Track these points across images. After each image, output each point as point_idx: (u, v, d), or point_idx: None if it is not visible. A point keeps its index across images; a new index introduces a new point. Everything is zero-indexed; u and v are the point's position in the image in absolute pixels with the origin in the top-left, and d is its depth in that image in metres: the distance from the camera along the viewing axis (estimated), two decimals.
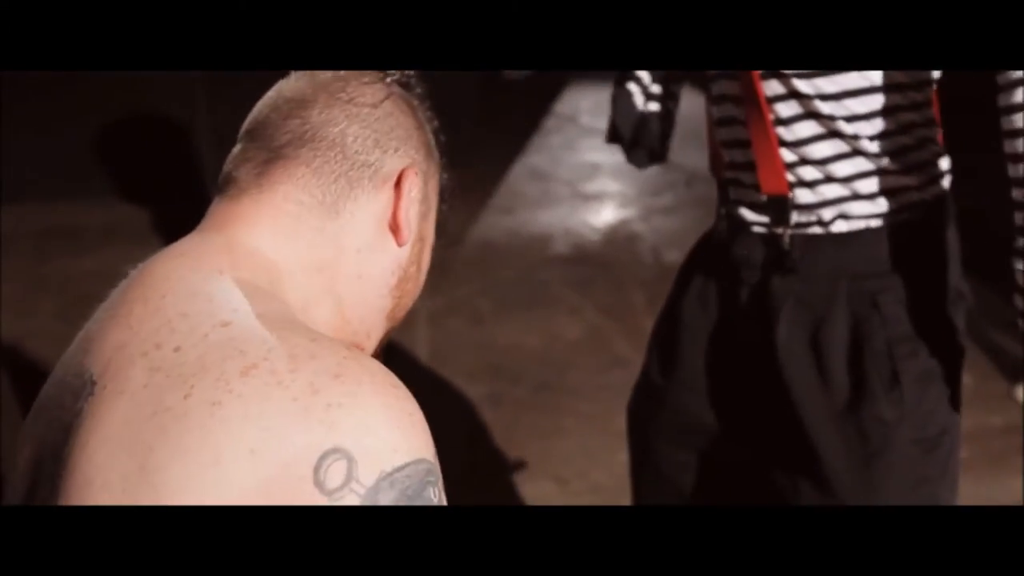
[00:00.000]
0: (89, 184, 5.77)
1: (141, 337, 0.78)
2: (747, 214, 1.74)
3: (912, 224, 1.65)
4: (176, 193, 5.93)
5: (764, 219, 1.71)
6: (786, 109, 1.61)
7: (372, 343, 1.00)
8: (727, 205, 1.82)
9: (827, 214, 1.64)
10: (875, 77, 1.56)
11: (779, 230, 1.67)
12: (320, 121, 0.96)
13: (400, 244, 0.99)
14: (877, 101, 1.59)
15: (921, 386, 1.60)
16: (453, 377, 3.84)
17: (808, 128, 1.61)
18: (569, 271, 4.87)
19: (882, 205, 1.63)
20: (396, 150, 1.00)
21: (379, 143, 0.98)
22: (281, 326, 0.78)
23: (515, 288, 4.63)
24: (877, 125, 1.60)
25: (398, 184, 0.98)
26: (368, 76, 1.02)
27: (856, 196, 1.63)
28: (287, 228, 0.92)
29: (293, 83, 1.01)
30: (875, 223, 1.63)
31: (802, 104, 1.60)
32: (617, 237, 5.29)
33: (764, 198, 1.68)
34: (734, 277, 1.78)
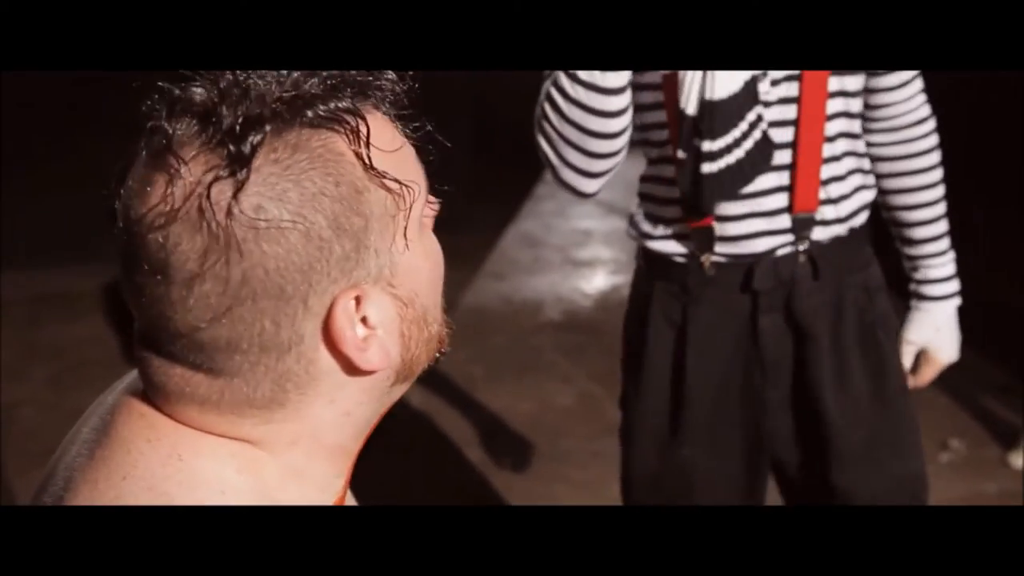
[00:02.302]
0: (84, 250, 5.78)
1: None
2: (759, 243, 1.77)
3: (868, 221, 1.86)
4: None
5: (783, 241, 1.77)
6: (833, 127, 1.73)
7: (405, 386, 0.85)
8: (719, 242, 1.79)
9: (842, 225, 1.79)
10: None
11: (801, 247, 1.77)
12: (174, 310, 0.73)
13: (373, 373, 0.79)
14: (876, 112, 1.81)
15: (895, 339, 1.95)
16: (445, 443, 3.82)
17: (842, 145, 1.77)
18: (561, 337, 4.87)
19: (865, 209, 1.84)
20: (304, 303, 0.73)
21: (274, 315, 0.73)
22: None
23: (507, 354, 4.62)
24: (869, 137, 1.84)
25: (330, 339, 0.75)
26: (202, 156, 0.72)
27: (862, 206, 1.82)
28: (226, 428, 0.78)
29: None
30: (858, 224, 1.83)
31: (846, 121, 1.75)
32: (609, 303, 5.30)
33: (789, 220, 1.76)
34: (741, 310, 1.81)
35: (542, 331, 4.96)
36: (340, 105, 0.75)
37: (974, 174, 5.14)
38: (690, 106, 1.66)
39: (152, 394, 0.79)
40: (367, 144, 0.75)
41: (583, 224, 6.60)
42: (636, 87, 1.75)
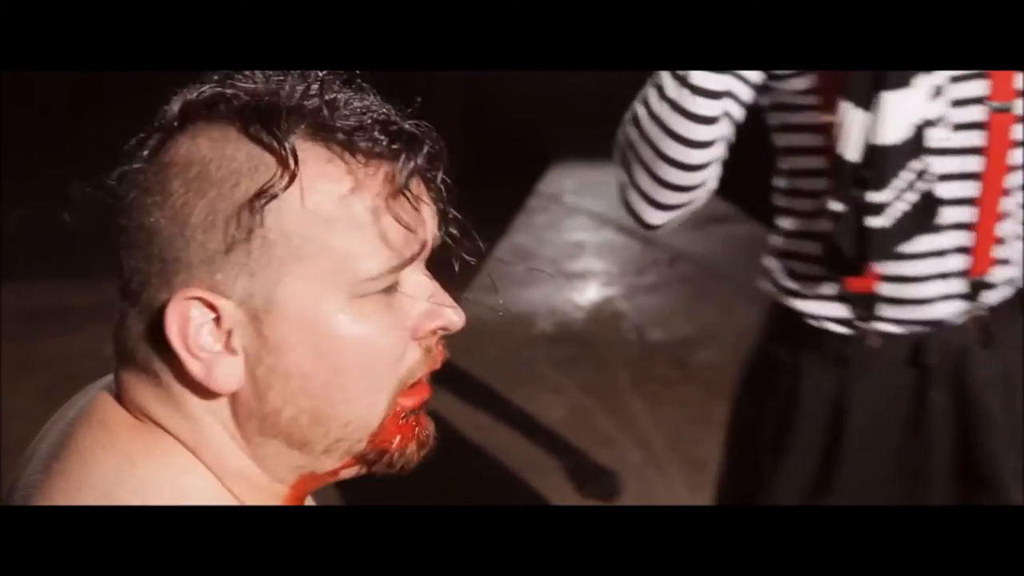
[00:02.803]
0: (76, 263, 5.77)
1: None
2: (933, 309, 1.61)
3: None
4: None
5: (958, 307, 1.62)
6: (1011, 180, 1.58)
7: (319, 467, 0.79)
8: (884, 307, 1.62)
9: (1010, 287, 1.65)
10: None
11: (973, 314, 1.63)
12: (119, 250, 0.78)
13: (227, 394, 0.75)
14: None
15: None
16: (436, 454, 3.81)
17: (1013, 200, 1.61)
18: (553, 350, 4.87)
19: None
20: (160, 273, 0.73)
21: (143, 271, 0.74)
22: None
23: (499, 366, 4.62)
24: None
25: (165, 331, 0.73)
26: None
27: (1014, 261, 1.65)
28: (155, 411, 0.77)
29: None
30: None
31: (1020, 173, 1.58)
32: (601, 316, 5.31)
33: (966, 283, 1.60)
34: (908, 386, 1.64)
35: (534, 343, 4.96)
36: (307, 130, 0.73)
37: None
38: (852, 151, 1.47)
39: (118, 367, 0.80)
40: (311, 174, 0.72)
41: (575, 236, 6.61)
42: (788, 128, 1.63)
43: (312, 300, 0.72)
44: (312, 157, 0.72)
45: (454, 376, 4.35)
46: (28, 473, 0.81)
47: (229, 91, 0.74)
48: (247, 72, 0.76)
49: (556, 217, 6.80)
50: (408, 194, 0.74)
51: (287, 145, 0.70)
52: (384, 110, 0.74)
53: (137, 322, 0.76)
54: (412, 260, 0.77)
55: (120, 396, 0.79)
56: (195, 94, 0.75)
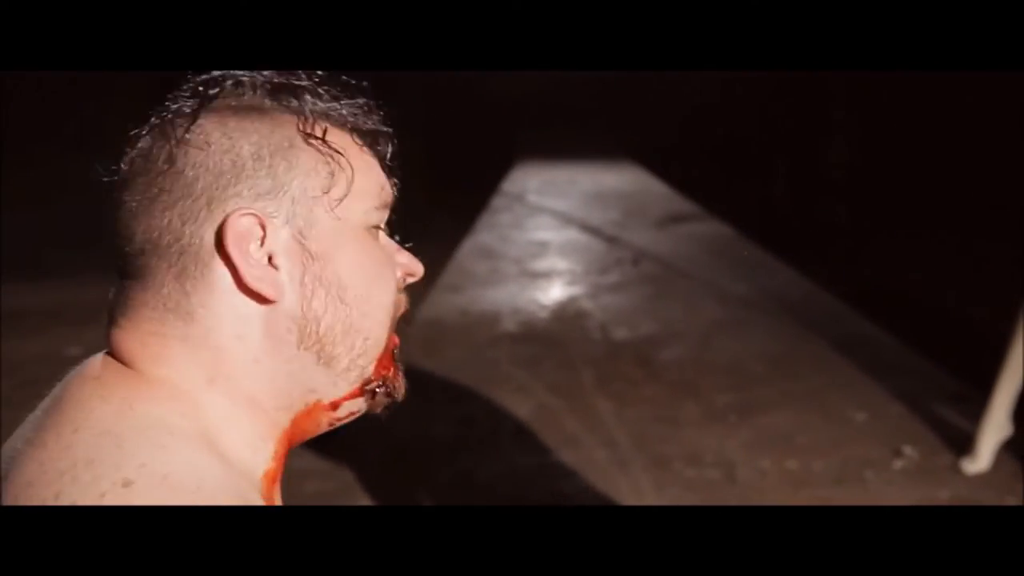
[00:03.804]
0: (32, 268, 5.70)
1: (48, 479, 0.76)
2: None
3: None
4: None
5: None
6: None
7: (329, 393, 0.90)
8: None
9: None
10: None
11: None
12: (122, 213, 0.85)
13: (268, 303, 0.85)
14: None
15: None
16: (401, 456, 3.80)
17: None
18: (518, 349, 4.87)
19: None
20: (208, 205, 0.83)
21: (179, 212, 0.83)
22: (188, 495, 0.75)
23: (464, 366, 4.62)
24: None
25: (222, 246, 0.82)
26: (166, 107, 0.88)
27: None
28: (161, 353, 0.84)
29: None
30: None
31: None
32: (566, 315, 5.32)
33: None
34: None
35: (499, 343, 4.95)
36: (314, 103, 0.88)
37: (944, 190, 5.23)
38: None
39: (110, 327, 0.86)
40: (322, 128, 0.87)
41: (539, 236, 6.62)
42: None
43: (342, 219, 0.87)
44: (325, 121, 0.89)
45: (419, 376, 4.34)
46: (13, 442, 0.83)
47: (234, 77, 0.88)
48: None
49: (520, 216, 6.80)
50: (383, 163, 0.93)
51: (311, 112, 0.87)
52: (368, 106, 0.92)
53: (173, 262, 0.83)
54: (390, 205, 0.93)
55: (118, 355, 0.86)
56: (211, 77, 0.88)
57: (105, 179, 0.88)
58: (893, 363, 4.51)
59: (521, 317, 5.27)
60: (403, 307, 0.94)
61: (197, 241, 0.83)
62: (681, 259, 6.45)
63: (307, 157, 0.86)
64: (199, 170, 0.83)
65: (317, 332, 0.86)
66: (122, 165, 0.87)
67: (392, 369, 0.93)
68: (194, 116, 0.85)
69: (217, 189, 0.83)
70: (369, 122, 0.92)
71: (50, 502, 0.74)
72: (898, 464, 3.67)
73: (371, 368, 0.90)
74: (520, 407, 4.23)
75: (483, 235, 6.53)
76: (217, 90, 0.87)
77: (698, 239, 7.06)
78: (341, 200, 0.87)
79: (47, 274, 5.62)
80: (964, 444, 3.67)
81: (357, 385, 0.90)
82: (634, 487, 3.57)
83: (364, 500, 3.26)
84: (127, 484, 0.74)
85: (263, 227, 0.83)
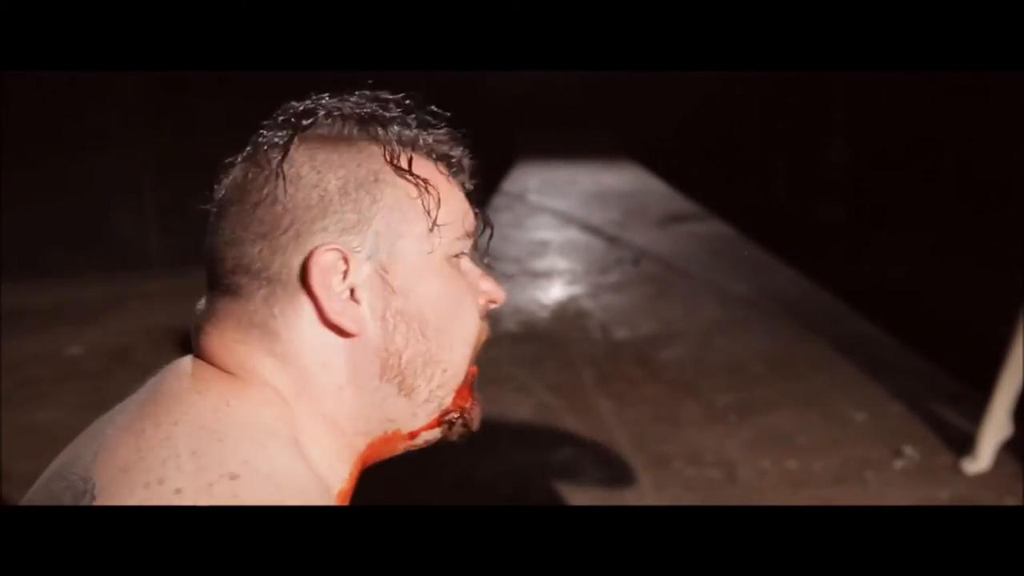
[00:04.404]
0: (33, 265, 5.70)
1: (146, 465, 0.77)
2: None
3: None
4: (120, 272, 5.87)
5: None
6: None
7: (408, 423, 0.93)
8: None
9: None
10: None
11: None
12: (219, 237, 0.89)
13: (349, 337, 0.87)
14: None
15: None
16: (401, 456, 3.80)
17: None
18: (518, 349, 4.87)
19: None
20: (296, 239, 0.86)
21: (269, 244, 0.86)
22: (292, 494, 0.79)
23: None
24: None
25: (307, 280, 0.85)
26: (263, 137, 0.90)
27: None
28: (246, 361, 0.87)
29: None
30: None
31: None
32: (566, 314, 5.31)
33: None
34: None
35: (499, 342, 4.95)
36: (400, 133, 0.90)
37: (944, 190, 5.23)
38: None
39: (197, 336, 0.90)
40: (407, 158, 0.89)
41: (540, 235, 6.61)
42: None
43: (425, 252, 0.89)
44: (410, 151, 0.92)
45: None
46: (99, 428, 0.86)
47: (327, 108, 0.90)
48: (316, 97, 0.92)
49: (520, 216, 6.80)
50: (466, 190, 0.96)
51: (397, 140, 0.90)
52: (450, 134, 0.95)
53: (262, 286, 0.87)
54: (474, 234, 0.95)
55: (207, 359, 0.89)
56: (296, 112, 0.90)
57: (205, 207, 0.91)
58: (893, 363, 4.51)
59: (522, 317, 5.27)
60: (485, 335, 0.97)
61: (285, 271, 0.86)
62: (681, 259, 6.45)
63: (392, 191, 0.89)
64: (289, 204, 0.86)
65: (399, 365, 0.89)
66: (217, 193, 0.90)
67: (470, 400, 0.96)
68: (286, 149, 0.88)
69: (304, 223, 0.86)
70: (454, 151, 0.95)
71: (153, 487, 0.76)
72: (898, 464, 3.67)
73: (449, 399, 0.93)
74: (520, 406, 4.23)
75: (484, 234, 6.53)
76: (310, 121, 0.89)
77: (698, 239, 7.06)
78: (425, 233, 0.89)
79: (47, 273, 5.61)
80: (964, 444, 3.67)
81: (435, 416, 0.93)
82: (634, 486, 3.57)
83: (364, 500, 3.26)
84: (233, 477, 0.77)
85: (346, 261, 0.86)
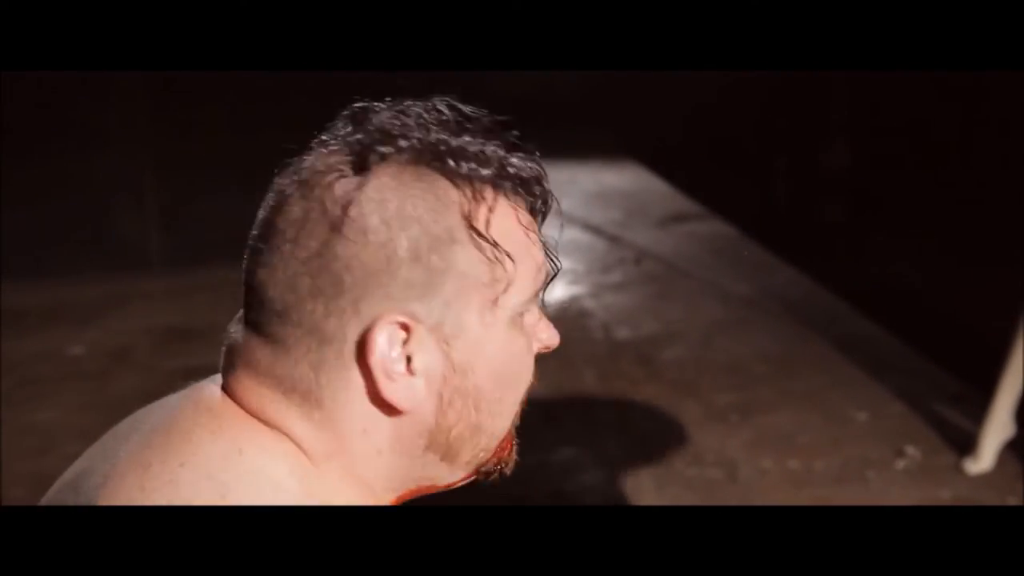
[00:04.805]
0: (33, 264, 5.69)
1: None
2: None
3: None
4: (121, 272, 5.87)
5: None
6: None
7: (446, 480, 0.88)
8: None
9: None
10: None
11: None
12: (265, 273, 0.80)
13: (401, 415, 0.81)
14: None
15: None
16: None
17: None
18: None
19: None
20: (355, 303, 0.77)
21: (324, 303, 0.77)
22: None
23: None
24: None
25: (364, 356, 0.78)
26: (321, 166, 0.80)
27: None
28: (277, 418, 0.80)
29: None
30: None
31: None
32: (567, 314, 5.31)
33: None
34: None
35: None
36: (479, 170, 0.80)
37: (946, 190, 5.22)
38: None
39: (228, 370, 0.82)
40: (487, 210, 0.80)
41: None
42: None
43: (492, 324, 0.82)
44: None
45: None
46: (112, 444, 0.82)
47: (402, 134, 0.80)
48: (376, 106, 0.82)
49: (547, 223, 6.78)
50: (541, 235, 0.88)
51: (478, 183, 0.80)
52: (535, 166, 0.86)
53: (312, 349, 0.78)
54: (545, 287, 0.88)
55: (234, 398, 0.82)
56: (368, 132, 0.80)
57: (252, 236, 0.82)
58: (895, 363, 4.50)
59: None
60: (535, 382, 0.92)
61: (340, 337, 0.78)
62: (683, 258, 6.44)
63: (466, 255, 0.79)
64: (353, 263, 0.77)
65: (447, 439, 0.84)
66: (262, 213, 0.81)
67: (508, 448, 0.91)
68: (352, 201, 0.77)
69: (367, 288, 0.77)
70: (537, 185, 0.86)
71: None
72: (900, 464, 3.66)
73: (490, 455, 0.89)
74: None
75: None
76: (387, 151, 0.79)
77: (700, 238, 7.05)
78: (494, 302, 0.81)
79: (48, 272, 5.60)
80: (966, 444, 3.66)
81: (472, 471, 0.89)
82: (635, 486, 3.57)
83: None
84: None
85: (407, 330, 0.78)
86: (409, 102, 0.83)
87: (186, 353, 4.50)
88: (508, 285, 0.81)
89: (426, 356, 0.79)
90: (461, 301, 0.79)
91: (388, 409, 0.80)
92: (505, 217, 0.82)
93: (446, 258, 0.78)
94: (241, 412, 0.81)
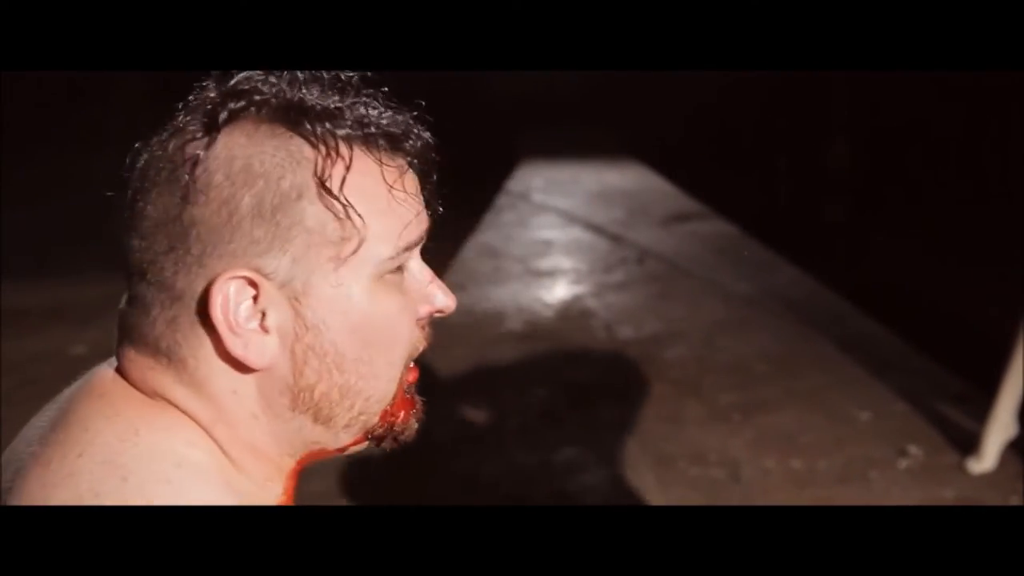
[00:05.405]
0: (34, 264, 5.70)
1: (51, 504, 0.75)
2: None
3: None
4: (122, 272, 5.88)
5: None
6: None
7: (332, 444, 0.86)
8: None
9: None
10: None
11: None
12: (128, 236, 0.81)
13: (252, 372, 0.80)
14: None
15: None
16: (406, 454, 3.79)
17: None
18: (522, 348, 4.87)
19: None
20: (200, 259, 0.77)
21: (172, 260, 0.78)
22: None
23: (468, 365, 4.61)
24: None
25: (208, 310, 0.77)
26: (172, 129, 0.81)
27: None
28: (159, 388, 0.81)
29: None
30: None
31: None
32: (570, 313, 5.31)
33: None
34: None
35: (503, 341, 4.95)
36: (335, 130, 0.80)
37: (948, 189, 5.22)
38: None
39: (117, 345, 0.83)
40: (343, 168, 0.79)
41: (543, 234, 6.61)
42: None
43: (345, 281, 0.80)
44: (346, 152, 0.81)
45: (423, 374, 4.33)
46: (20, 448, 0.82)
47: (255, 91, 0.80)
48: (245, 73, 0.82)
49: (524, 215, 6.80)
50: (413, 189, 0.85)
51: (333, 141, 0.79)
52: (406, 121, 0.84)
53: (165, 307, 0.79)
54: (417, 243, 0.86)
55: (124, 375, 0.82)
56: (222, 93, 0.80)
57: (111, 188, 0.83)
58: (897, 362, 4.50)
59: (526, 316, 5.26)
60: (424, 345, 0.90)
61: (189, 295, 0.78)
62: (685, 258, 6.44)
63: (315, 211, 0.78)
64: (196, 218, 0.77)
65: (311, 399, 0.82)
66: (129, 177, 0.82)
67: (402, 413, 0.89)
68: (198, 158, 0.78)
69: (211, 244, 0.77)
70: (409, 141, 0.85)
71: None
72: (902, 463, 3.66)
73: (375, 419, 0.86)
74: (524, 406, 4.23)
75: (487, 234, 6.52)
76: (238, 106, 0.79)
77: (702, 238, 7.06)
78: (350, 256, 0.80)
79: (49, 272, 5.62)
80: (969, 444, 3.66)
81: (360, 435, 0.87)
82: (638, 484, 3.57)
83: (365, 500, 3.26)
84: None
85: (255, 286, 0.78)
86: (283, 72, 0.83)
87: None
88: (361, 242, 0.80)
89: (276, 312, 0.79)
90: (310, 258, 0.79)
91: (243, 367, 0.79)
92: (364, 175, 0.81)
93: (292, 215, 0.77)
94: (131, 391, 0.81)
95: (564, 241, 6.49)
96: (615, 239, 6.89)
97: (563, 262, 6.12)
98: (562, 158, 10.85)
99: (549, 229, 6.63)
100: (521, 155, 7.94)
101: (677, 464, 3.70)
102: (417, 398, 0.91)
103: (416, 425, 0.91)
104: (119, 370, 0.83)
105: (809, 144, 6.73)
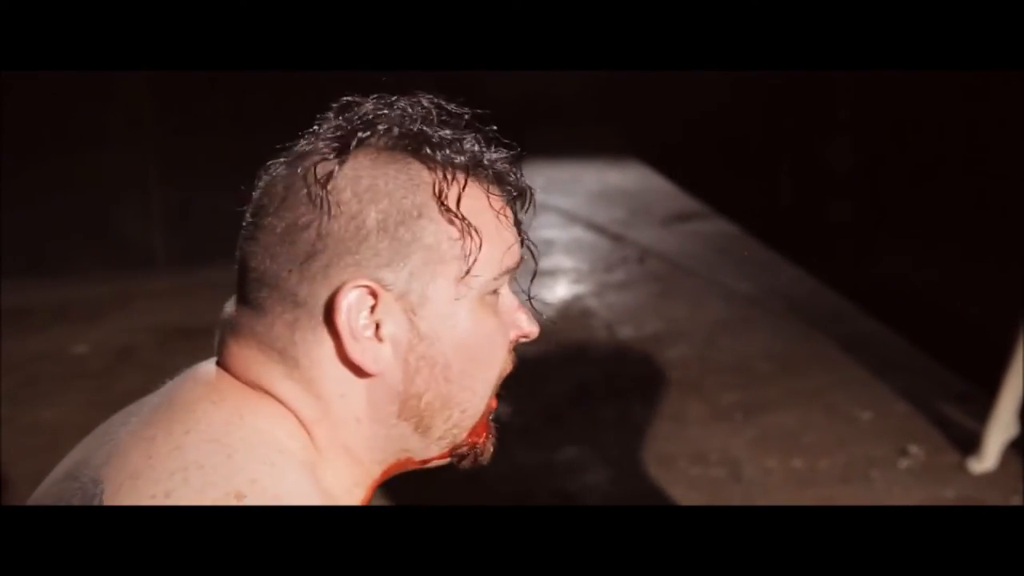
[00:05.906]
0: (37, 263, 5.70)
1: (155, 475, 0.78)
2: None
3: None
4: (125, 271, 5.88)
5: None
6: None
7: (421, 454, 0.92)
8: None
9: None
10: None
11: None
12: (251, 246, 0.87)
13: (368, 377, 0.86)
14: None
15: None
16: None
17: None
18: (523, 347, 4.85)
19: None
20: (326, 269, 0.83)
21: (300, 270, 0.84)
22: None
23: None
24: None
25: (332, 316, 0.83)
26: (305, 149, 0.88)
27: None
28: (264, 380, 0.86)
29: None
30: None
31: None
32: (571, 313, 5.31)
33: None
34: None
35: None
36: (453, 158, 0.87)
37: (949, 189, 5.21)
38: None
39: (221, 343, 0.89)
40: (458, 190, 0.86)
41: (545, 234, 6.60)
42: None
43: (456, 297, 0.87)
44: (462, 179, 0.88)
45: None
46: (112, 430, 0.86)
47: (380, 121, 0.87)
48: (363, 100, 0.89)
49: (525, 214, 6.79)
50: (513, 220, 0.94)
51: (450, 167, 0.87)
52: (509, 159, 0.93)
53: (286, 310, 0.85)
54: (514, 269, 0.94)
55: (227, 369, 0.88)
56: (351, 122, 0.87)
57: (239, 208, 0.89)
58: (899, 362, 4.50)
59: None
60: (509, 368, 0.96)
61: (312, 301, 0.84)
62: (687, 257, 6.44)
63: (434, 229, 0.85)
64: (324, 232, 0.83)
65: (417, 407, 0.88)
66: (254, 195, 0.88)
67: (483, 435, 0.94)
68: (329, 176, 0.84)
69: (337, 255, 0.83)
70: (511, 176, 0.93)
71: (159, 499, 0.77)
72: (904, 463, 3.66)
73: (464, 435, 0.92)
74: (525, 406, 4.23)
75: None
76: (366, 135, 0.86)
77: (703, 237, 7.06)
78: (462, 274, 0.87)
79: (52, 271, 5.62)
80: (970, 443, 3.66)
81: (447, 449, 0.93)
82: (639, 484, 3.57)
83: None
84: (239, 497, 0.77)
85: (375, 297, 0.84)
86: (394, 97, 0.89)
87: (190, 351, 4.48)
88: (474, 262, 0.86)
89: (392, 322, 0.85)
90: (427, 273, 0.85)
91: (358, 371, 0.85)
92: (475, 199, 0.88)
93: (413, 231, 0.84)
94: (237, 382, 0.86)
95: (565, 241, 6.49)
96: (616, 238, 6.89)
97: (564, 262, 6.12)
98: (563, 157, 10.85)
99: (550, 229, 6.63)
100: (522, 154, 7.94)
101: (678, 463, 3.70)
102: (493, 425, 0.97)
103: (492, 449, 0.96)
104: (220, 364, 0.88)
105: (811, 144, 6.73)
